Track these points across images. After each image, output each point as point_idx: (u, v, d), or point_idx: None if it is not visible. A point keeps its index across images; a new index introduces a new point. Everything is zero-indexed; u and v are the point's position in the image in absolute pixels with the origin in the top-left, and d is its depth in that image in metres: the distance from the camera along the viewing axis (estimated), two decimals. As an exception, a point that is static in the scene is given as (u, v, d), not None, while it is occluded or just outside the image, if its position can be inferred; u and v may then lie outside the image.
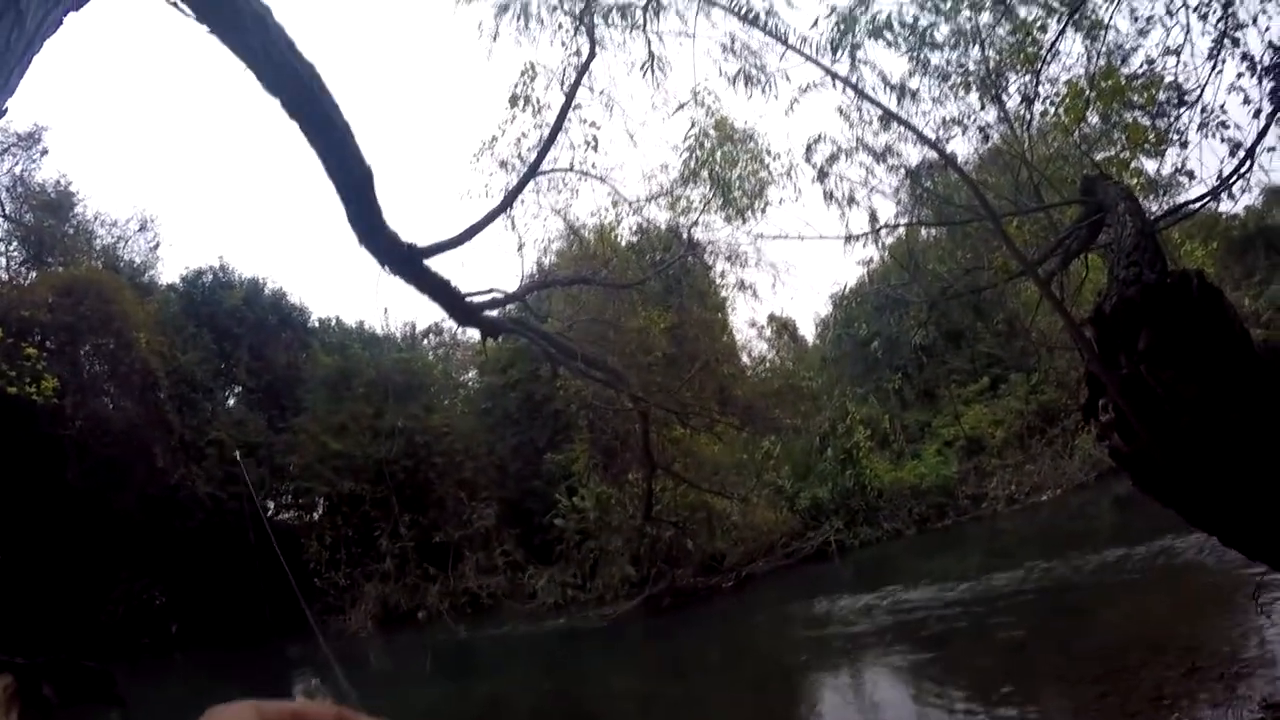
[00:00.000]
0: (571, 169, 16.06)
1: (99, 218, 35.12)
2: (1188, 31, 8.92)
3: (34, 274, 30.86)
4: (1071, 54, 9.63)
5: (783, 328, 39.44)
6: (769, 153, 17.13)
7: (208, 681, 21.93)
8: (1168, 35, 9.14)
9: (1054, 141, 10.07)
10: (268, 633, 27.08)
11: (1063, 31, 9.29)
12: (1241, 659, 9.02)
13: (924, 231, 15.04)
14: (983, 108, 9.74)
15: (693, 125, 16.80)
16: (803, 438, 32.16)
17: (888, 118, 9.49)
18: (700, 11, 11.13)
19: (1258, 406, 3.30)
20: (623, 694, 17.24)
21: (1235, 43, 8.93)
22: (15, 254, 32.11)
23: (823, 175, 10.59)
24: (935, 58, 9.52)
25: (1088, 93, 9.48)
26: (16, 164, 31.41)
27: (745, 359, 33.78)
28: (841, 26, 9.16)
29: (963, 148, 10.29)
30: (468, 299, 12.19)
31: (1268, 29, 8.98)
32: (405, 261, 9.80)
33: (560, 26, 13.48)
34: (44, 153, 31.91)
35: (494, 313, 13.89)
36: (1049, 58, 9.44)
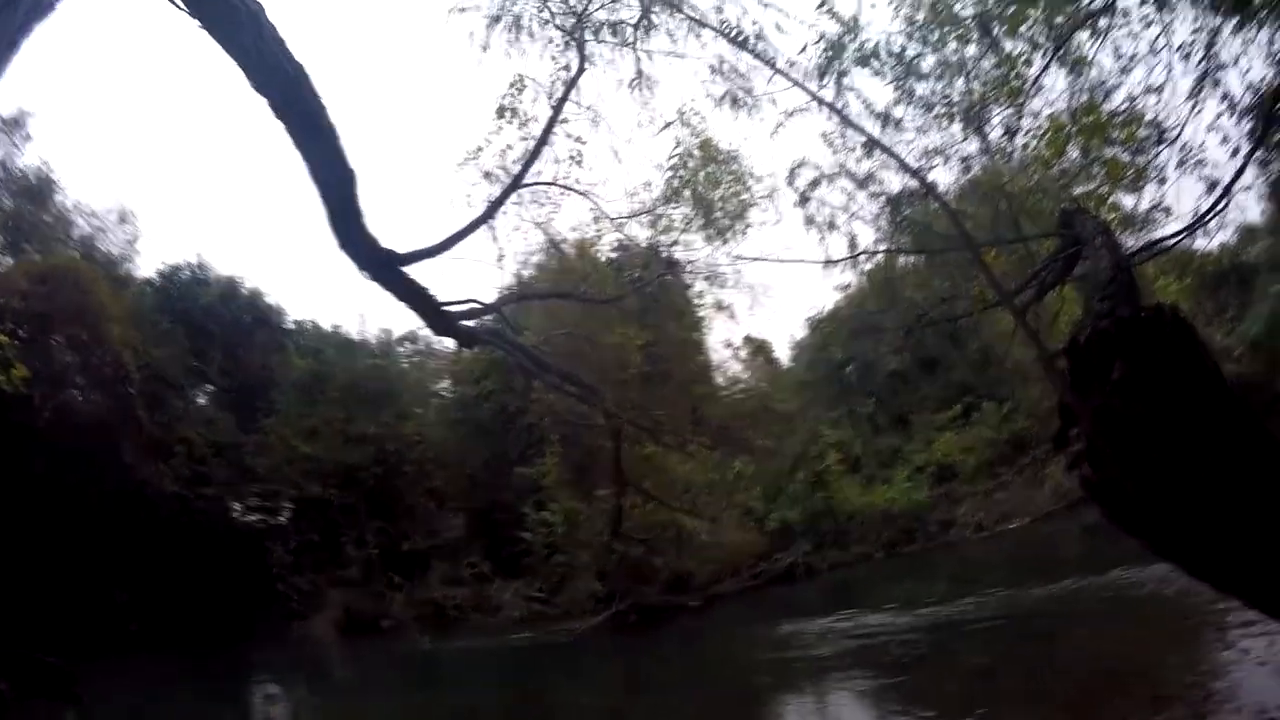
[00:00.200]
0: (555, 183, 16.11)
1: (79, 207, 34.49)
2: (1170, 71, 9.08)
3: (9, 260, 30.33)
4: (1054, 89, 9.77)
5: (758, 349, 39.55)
6: (752, 175, 17.26)
7: (166, 682, 21.53)
8: (1150, 73, 9.30)
9: (1034, 174, 10.19)
10: (230, 635, 26.69)
11: (1047, 66, 9.42)
12: (1205, 690, 9.09)
13: (902, 259, 15.13)
14: (965, 138, 9.86)
15: (677, 145, 16.91)
16: (774, 459, 32.21)
17: (871, 145, 9.59)
18: (690, 32, 11.23)
19: (1227, 441, 3.35)
20: (585, 710, 17.13)
21: (1216, 83, 9.10)
22: (-9, 240, 31.57)
23: (804, 199, 10.68)
24: (920, 88, 9.64)
25: (1069, 127, 9.62)
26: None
27: (720, 379, 33.83)
28: (829, 53, 9.25)
29: (944, 177, 10.38)
30: (445, 308, 12.16)
31: (1248, 70, 9.16)
32: (384, 267, 9.78)
33: (551, 41, 13.55)
34: (27, 138, 31.38)
35: (471, 323, 13.88)
36: (1032, 91, 9.57)
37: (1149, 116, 9.54)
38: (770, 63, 9.49)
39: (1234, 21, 8.81)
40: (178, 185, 69.55)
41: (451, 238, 11.62)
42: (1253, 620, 9.06)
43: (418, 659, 25.49)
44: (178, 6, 5.55)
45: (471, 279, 52.13)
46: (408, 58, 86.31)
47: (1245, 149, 8.96)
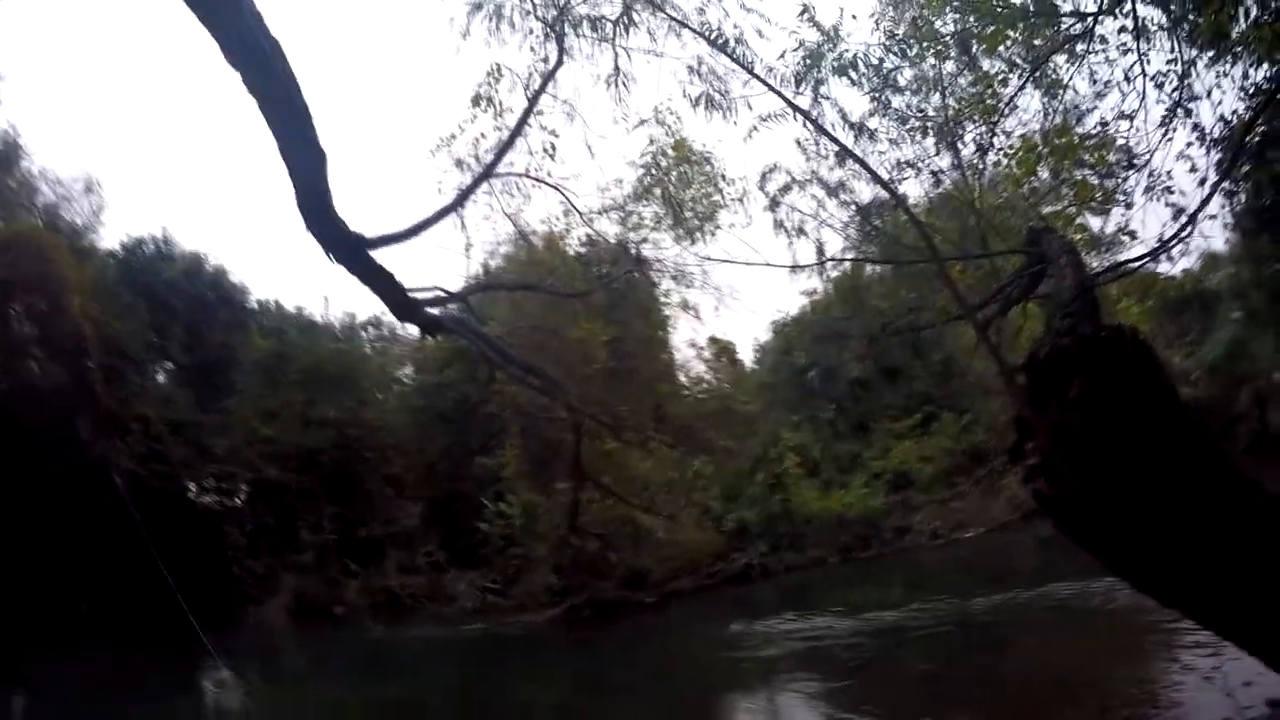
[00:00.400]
0: (527, 174, 16.02)
1: (44, 174, 33.73)
2: (1143, 98, 9.24)
3: None
4: (1029, 109, 9.91)
5: (723, 350, 39.67)
6: (724, 177, 17.30)
7: (117, 666, 21.22)
8: (1124, 100, 9.45)
9: (1004, 192, 10.33)
10: (183, 620, 26.24)
11: (1022, 87, 9.55)
12: (1150, 698, 9.27)
13: (869, 268, 15.28)
14: (938, 153, 9.97)
15: (651, 143, 16.91)
16: (734, 460, 32.37)
17: (844, 154, 9.66)
18: (671, 32, 11.23)
19: (1181, 460, 3.43)
20: (534, 704, 17.11)
21: (1188, 113, 9.28)
22: (-48, 205, 30.78)
23: (775, 204, 10.74)
24: (896, 100, 9.73)
25: (1041, 148, 9.77)
26: (-35, 113, 30.09)
27: (683, 378, 33.91)
28: (808, 61, 9.31)
29: (915, 190, 10.49)
30: (410, 294, 12.06)
31: (1219, 103, 9.36)
32: (351, 251, 9.67)
33: (531, 32, 13.49)
34: None
35: (436, 311, 13.77)
36: (1007, 111, 9.70)
37: (1120, 142, 9.71)
38: (749, 67, 9.51)
39: (1210, 54, 9.00)
40: (147, 157, 68.68)
41: (420, 224, 11.54)
42: (1200, 636, 9.26)
43: (370, 647, 25.33)
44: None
45: (439, 267, 51.80)
46: (384, 41, 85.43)
47: (1213, 179, 9.15)
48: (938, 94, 9.70)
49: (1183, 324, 28.89)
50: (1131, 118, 9.47)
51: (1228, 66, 9.19)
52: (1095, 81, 9.60)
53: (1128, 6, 8.84)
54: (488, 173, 14.85)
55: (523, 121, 14.50)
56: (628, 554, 26.47)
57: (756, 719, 14.60)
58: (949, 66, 9.66)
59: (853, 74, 9.46)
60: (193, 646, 24.90)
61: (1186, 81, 9.15)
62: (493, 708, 17.37)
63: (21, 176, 32.60)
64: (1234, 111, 9.61)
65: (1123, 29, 9.06)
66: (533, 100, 14.34)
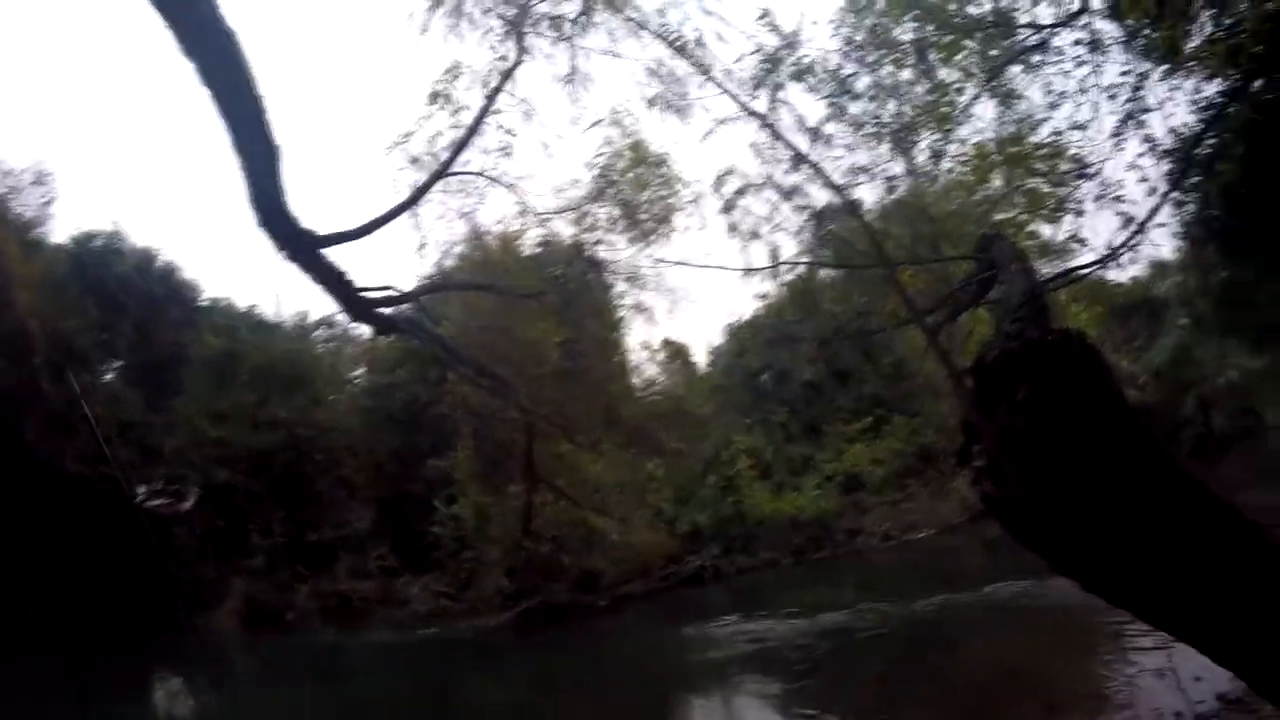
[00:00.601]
0: (482, 174, 15.99)
1: None
2: (1096, 109, 9.46)
3: None
4: (984, 118, 10.10)
5: (676, 353, 39.80)
6: (679, 179, 17.38)
7: (63, 674, 20.71)
8: (1077, 110, 9.66)
9: (957, 198, 10.50)
10: (132, 625, 25.70)
11: (978, 96, 9.72)
12: (1101, 695, 9.43)
13: (822, 272, 15.42)
14: (892, 159, 10.11)
15: (608, 144, 16.94)
16: (687, 463, 32.48)
17: (799, 159, 9.74)
18: (630, 34, 11.25)
19: (1126, 463, 3.50)
20: (487, 707, 17.03)
21: (1140, 124, 9.51)
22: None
23: (729, 207, 10.81)
24: (853, 107, 9.85)
25: (994, 156, 9.95)
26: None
27: (636, 380, 33.95)
28: (766, 66, 9.38)
29: (869, 195, 10.62)
30: (362, 293, 11.95)
31: (1171, 115, 9.62)
32: (303, 248, 9.57)
33: (490, 29, 13.42)
34: None
35: (388, 310, 13.66)
36: (961, 119, 9.87)
37: (1073, 151, 9.92)
38: (706, 70, 9.57)
39: (1163, 68, 9.24)
40: (98, 148, 67.01)
41: (373, 222, 11.45)
42: (1150, 634, 9.45)
43: (321, 652, 25.01)
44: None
45: (392, 266, 51.13)
46: (342, 37, 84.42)
47: (1163, 189, 9.39)
48: (894, 101, 9.84)
49: (1131, 330, 29.59)
50: (1084, 128, 9.70)
51: (1180, 80, 9.45)
52: (1050, 92, 9.82)
53: (1084, 20, 9.04)
54: (443, 171, 14.78)
55: (480, 120, 14.45)
56: (580, 557, 26.43)
57: (711, 718, 14.63)
58: (906, 74, 9.81)
59: (810, 79, 9.56)
60: (142, 653, 24.48)
61: (1139, 94, 9.38)
62: (445, 710, 17.25)
63: None
64: (1185, 124, 9.89)
65: (1078, 41, 9.27)
66: (490, 98, 14.30)
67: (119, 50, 77.24)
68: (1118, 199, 9.63)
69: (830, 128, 9.97)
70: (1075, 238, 9.97)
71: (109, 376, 34.58)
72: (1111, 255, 8.80)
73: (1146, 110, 9.49)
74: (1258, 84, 10.21)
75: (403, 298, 14.06)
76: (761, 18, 9.53)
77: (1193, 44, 9.03)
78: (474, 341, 18.73)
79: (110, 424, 29.68)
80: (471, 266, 20.65)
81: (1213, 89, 9.81)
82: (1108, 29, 9.27)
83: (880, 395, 36.92)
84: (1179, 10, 8.55)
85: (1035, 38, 9.32)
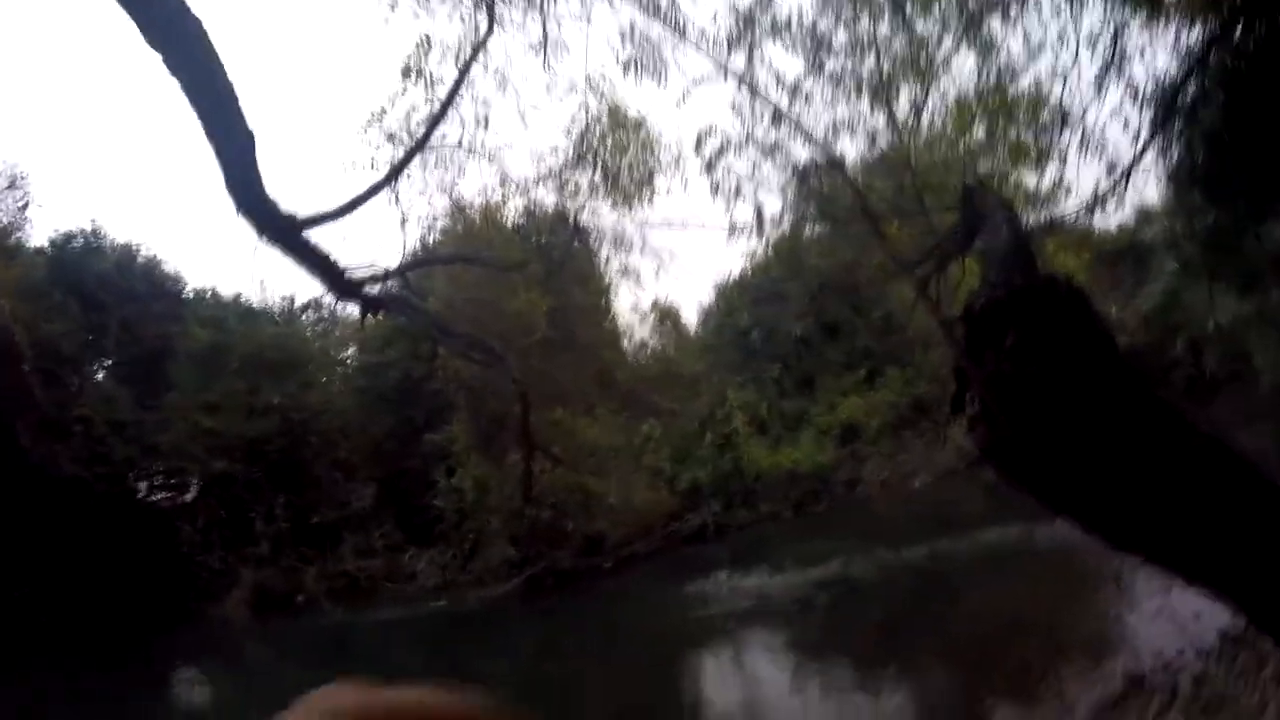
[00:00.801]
0: (460, 146, 15.81)
1: None
2: (1076, 58, 9.42)
3: None
4: (963, 69, 10.04)
5: (665, 314, 39.77)
6: (659, 142, 17.27)
7: (79, 676, 20.86)
8: (1057, 60, 9.62)
9: (939, 151, 10.48)
10: (143, 621, 25.89)
11: (956, 47, 9.67)
12: (1103, 636, 9.56)
13: (807, 228, 15.41)
14: (872, 113, 10.07)
15: (584, 110, 16.79)
16: (682, 422, 32.62)
17: (778, 116, 9.71)
18: (601, -3, 11.14)
19: (1117, 404, 3.56)
20: (499, 676, 17.19)
21: (1121, 72, 9.48)
22: None
23: (711, 167, 10.80)
24: (831, 63, 9.79)
25: (975, 107, 9.92)
26: None
27: (627, 344, 33.97)
28: (741, 24, 9.32)
29: (850, 150, 10.58)
30: (347, 273, 11.87)
31: (1152, 61, 9.58)
32: (284, 232, 9.46)
33: (460, 1, 13.26)
34: None
35: (374, 289, 13.56)
36: (941, 71, 9.82)
37: (1054, 100, 9.90)
38: (680, 29, 9.50)
39: (1143, 15, 9.19)
40: (71, 146, 66.26)
41: (354, 201, 11.30)
42: (1147, 576, 9.58)
43: (332, 633, 25.21)
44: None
45: (375, 244, 50.83)
46: (311, 15, 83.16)
47: (1145, 135, 9.39)
48: (872, 55, 9.78)
49: (1118, 276, 29.62)
50: (1065, 77, 9.66)
51: (1160, 27, 9.40)
52: (1029, 42, 9.76)
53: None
54: (420, 146, 14.62)
55: (454, 92, 14.27)
56: (583, 521, 26.60)
57: (724, 674, 14.82)
58: (883, 28, 9.74)
59: (787, 36, 9.49)
60: (155, 648, 24.69)
61: (1120, 42, 9.34)
62: (457, 681, 17.43)
63: None
64: (1166, 71, 9.87)
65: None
66: (463, 71, 14.12)
67: (86, 44, 76.04)
68: (1101, 147, 9.63)
69: (809, 84, 9.94)
70: (1060, 186, 9.99)
71: (99, 376, 34.55)
72: (1096, 202, 8.84)
73: (1126, 58, 9.46)
74: (1238, 30, 10.18)
75: (388, 275, 13.97)
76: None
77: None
78: (462, 315, 18.70)
79: (104, 423, 29.67)
80: (455, 240, 20.53)
81: (1193, 35, 9.77)
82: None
83: (871, 348, 37.01)
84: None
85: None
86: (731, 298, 43.30)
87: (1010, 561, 15.31)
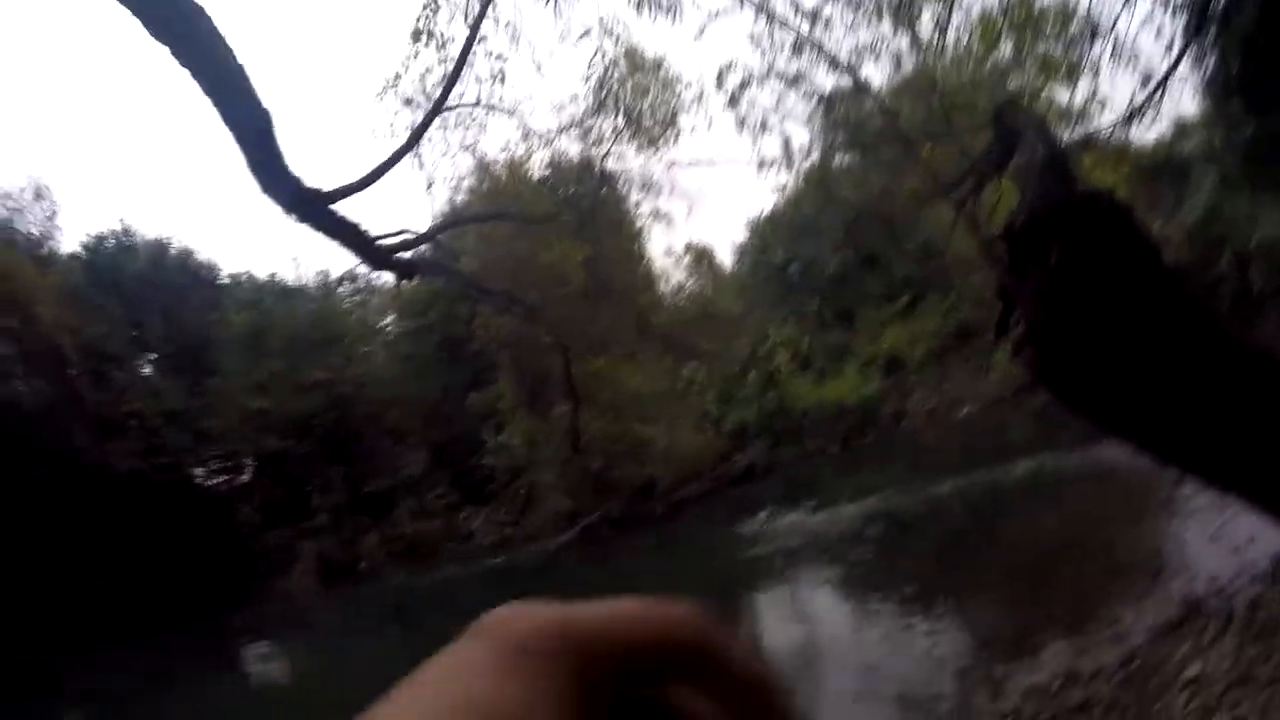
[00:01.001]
0: (479, 103, 15.76)
1: None
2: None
3: None
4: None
5: (700, 255, 39.57)
6: (679, 81, 17.03)
7: (156, 661, 21.61)
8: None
9: (966, 70, 10.15)
10: (212, 602, 26.76)
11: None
12: (1157, 561, 9.42)
13: (837, 157, 15.11)
14: (895, 35, 9.76)
15: (600, 55, 16.57)
16: (724, 362, 32.57)
17: (799, 45, 9.47)
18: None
19: (1165, 319, 3.44)
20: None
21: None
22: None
23: (734, 102, 10.63)
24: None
25: (1001, 23, 9.56)
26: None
27: (664, 287, 33.90)
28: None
29: (875, 75, 10.32)
30: (379, 242, 11.89)
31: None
32: (311, 207, 9.49)
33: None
34: None
35: (407, 254, 13.62)
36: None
37: (1082, 11, 9.52)
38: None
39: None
40: (92, 150, 66.83)
41: (377, 169, 11.31)
42: (1200, 498, 9.40)
43: (397, 596, 25.76)
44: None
45: (404, 209, 51.06)
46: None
47: (1179, 43, 9.02)
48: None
49: (1158, 191, 28.81)
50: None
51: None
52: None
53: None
54: (438, 107, 14.55)
55: (467, 50, 14.15)
56: (633, 468, 26.77)
57: (782, 612, 14.90)
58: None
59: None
60: (226, 627, 25.54)
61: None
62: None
63: None
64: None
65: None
66: (474, 27, 13.98)
67: (92, 44, 76.30)
68: (1134, 57, 9.29)
69: (828, 9, 9.67)
70: (1093, 101, 9.66)
71: (146, 370, 35.29)
72: (1132, 115, 8.54)
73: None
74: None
75: (419, 240, 14.01)
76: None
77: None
78: (497, 272, 18.73)
79: (156, 415, 30.39)
80: (482, 198, 20.53)
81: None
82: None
83: (911, 276, 36.48)
84: None
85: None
86: (766, 234, 42.91)
87: (1060, 488, 15.09)
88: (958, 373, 31.20)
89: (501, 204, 19.26)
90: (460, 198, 21.10)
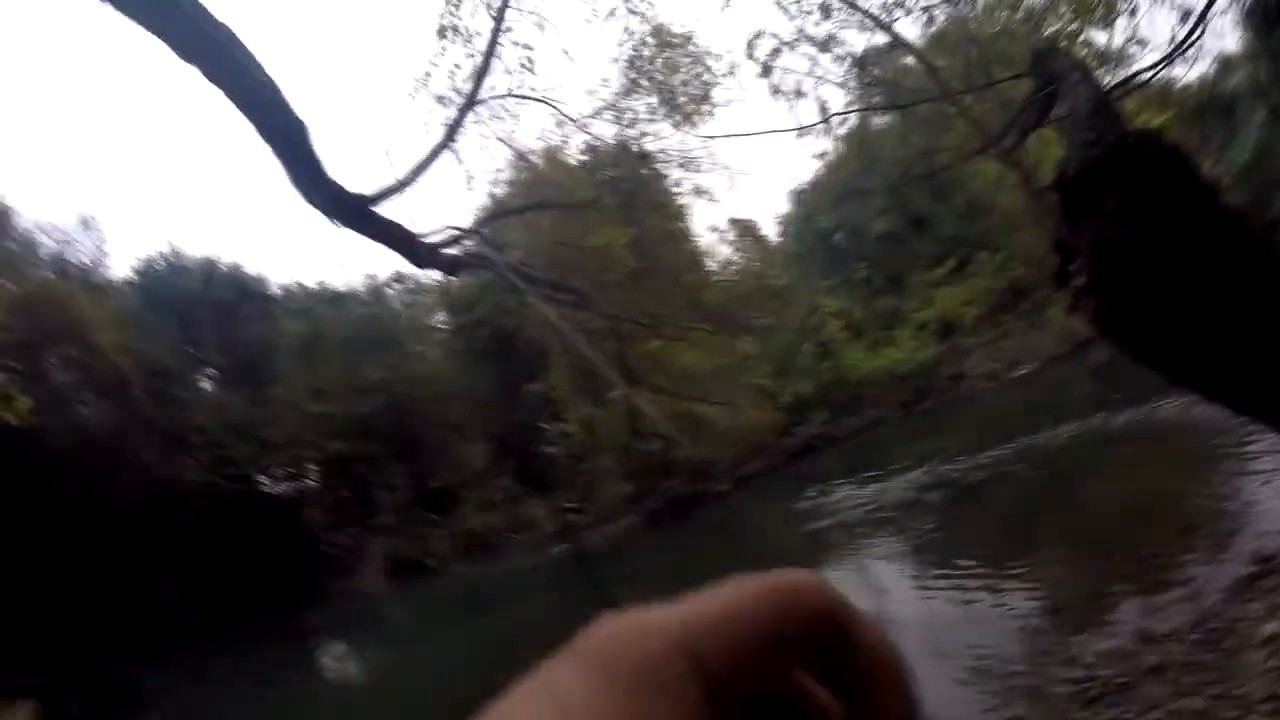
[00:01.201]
0: (510, 94, 15.74)
1: (40, 226, 34.16)
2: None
3: None
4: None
5: (745, 229, 39.27)
6: (710, 54, 16.87)
7: (232, 666, 22.21)
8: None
9: (1000, 18, 9.85)
10: (284, 603, 27.42)
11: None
12: (1230, 516, 9.15)
13: (876, 119, 14.85)
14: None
15: (628, 34, 16.47)
16: (778, 336, 32.33)
17: (828, 7, 9.29)
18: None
19: (1229, 259, 3.30)
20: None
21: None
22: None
23: (767, 70, 10.47)
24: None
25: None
26: (-56, 192, 30.21)
27: (711, 264, 33.71)
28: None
29: (908, 31, 10.07)
30: (423, 240, 11.98)
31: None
32: (354, 212, 9.59)
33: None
34: None
35: (452, 250, 13.69)
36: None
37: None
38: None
39: None
40: (134, 176, 68.17)
41: (415, 169, 11.40)
42: (1270, 452, 9.10)
43: (465, 590, 26.09)
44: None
45: (445, 206, 51.46)
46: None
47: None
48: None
49: (1205, 131, 27.89)
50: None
51: None
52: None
53: None
54: (470, 102, 14.58)
55: (493, 42, 14.16)
56: (692, 448, 26.71)
57: (849, 583, 14.78)
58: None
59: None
60: (298, 628, 26.18)
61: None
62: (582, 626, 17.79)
63: (19, 236, 32.96)
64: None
65: None
66: (498, 19, 13.98)
67: (124, 70, 77.48)
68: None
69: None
70: (1132, 41, 9.33)
71: (207, 386, 36.16)
72: (1174, 53, 8.20)
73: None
74: None
75: (463, 235, 14.08)
76: None
77: None
78: (543, 261, 18.79)
79: (219, 428, 31.14)
80: (522, 188, 20.59)
81: None
82: None
83: (959, 235, 35.86)
84: None
85: None
86: (809, 202, 42.49)
87: (1125, 445, 14.71)
88: (1013, 332, 30.63)
89: (542, 193, 19.31)
90: (501, 190, 21.18)
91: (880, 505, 17.78)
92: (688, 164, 20.42)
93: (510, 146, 17.53)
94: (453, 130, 14.24)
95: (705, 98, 17.37)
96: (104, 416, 28.43)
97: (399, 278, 40.27)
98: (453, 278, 16.26)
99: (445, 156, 14.16)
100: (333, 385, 32.63)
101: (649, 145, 19.61)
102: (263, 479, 32.19)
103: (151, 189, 71.91)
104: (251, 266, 39.22)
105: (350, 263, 44.47)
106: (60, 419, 26.91)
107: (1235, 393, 3.47)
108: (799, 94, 10.44)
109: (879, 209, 35.84)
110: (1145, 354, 3.72)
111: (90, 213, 36.35)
